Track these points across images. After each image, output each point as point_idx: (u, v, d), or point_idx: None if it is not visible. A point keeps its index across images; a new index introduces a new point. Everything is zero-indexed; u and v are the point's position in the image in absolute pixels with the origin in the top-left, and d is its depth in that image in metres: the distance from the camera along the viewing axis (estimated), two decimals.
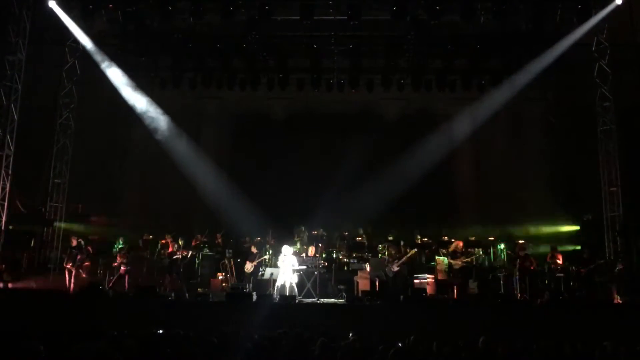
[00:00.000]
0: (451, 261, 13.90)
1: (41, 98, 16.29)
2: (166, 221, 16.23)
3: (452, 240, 14.80)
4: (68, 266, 13.21)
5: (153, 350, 5.81)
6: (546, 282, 13.44)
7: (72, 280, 13.08)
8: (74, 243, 13.63)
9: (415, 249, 14.24)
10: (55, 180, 16.13)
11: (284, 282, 12.76)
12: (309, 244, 14.82)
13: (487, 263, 14.62)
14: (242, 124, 18.16)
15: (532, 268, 13.22)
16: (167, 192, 17.17)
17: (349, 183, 16.19)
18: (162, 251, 14.19)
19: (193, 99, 17.99)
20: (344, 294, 13.07)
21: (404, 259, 13.57)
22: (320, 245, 14.86)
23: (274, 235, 15.29)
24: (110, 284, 13.23)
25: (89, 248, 13.96)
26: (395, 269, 13.36)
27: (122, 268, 13.42)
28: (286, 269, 12.87)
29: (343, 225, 16.15)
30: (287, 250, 13.16)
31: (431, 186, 16.76)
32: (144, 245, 14.96)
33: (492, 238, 15.15)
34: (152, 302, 11.48)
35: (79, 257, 13.28)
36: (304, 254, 14.15)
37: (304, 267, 13.33)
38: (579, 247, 14.82)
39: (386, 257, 14.13)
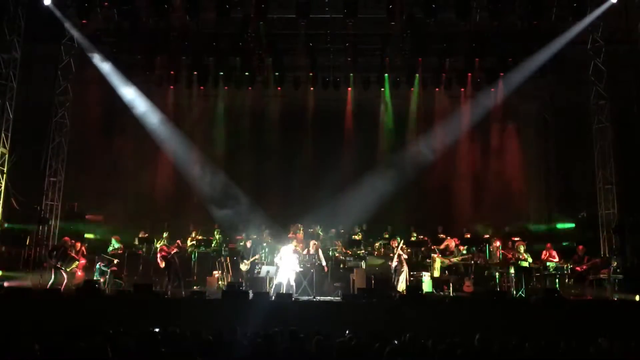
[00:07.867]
0: (442, 259, 13.94)
1: (36, 96, 16.20)
2: (162, 219, 16.21)
3: (447, 237, 14.83)
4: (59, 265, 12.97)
5: (149, 348, 5.81)
6: (541, 279, 13.50)
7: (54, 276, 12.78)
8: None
9: (409, 249, 14.27)
10: (51, 179, 16.06)
11: (281, 281, 12.76)
12: (306, 241, 14.80)
13: (482, 261, 14.65)
14: (238, 122, 18.12)
15: (527, 265, 13.28)
16: (163, 190, 17.16)
17: (345, 180, 16.22)
18: (158, 249, 14.15)
19: (189, 97, 17.95)
20: (341, 292, 13.10)
21: (402, 257, 13.59)
22: (316, 243, 14.85)
23: (270, 233, 15.28)
24: None
25: (83, 248, 13.89)
26: (394, 265, 13.38)
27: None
28: (286, 268, 12.85)
29: (339, 223, 16.15)
30: (286, 250, 13.14)
31: (427, 183, 16.86)
32: (140, 243, 14.96)
33: (487, 235, 15.18)
34: (148, 300, 11.45)
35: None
36: (300, 252, 14.13)
37: (301, 268, 13.32)
38: (574, 245, 14.86)
39: (382, 254, 14.15)
